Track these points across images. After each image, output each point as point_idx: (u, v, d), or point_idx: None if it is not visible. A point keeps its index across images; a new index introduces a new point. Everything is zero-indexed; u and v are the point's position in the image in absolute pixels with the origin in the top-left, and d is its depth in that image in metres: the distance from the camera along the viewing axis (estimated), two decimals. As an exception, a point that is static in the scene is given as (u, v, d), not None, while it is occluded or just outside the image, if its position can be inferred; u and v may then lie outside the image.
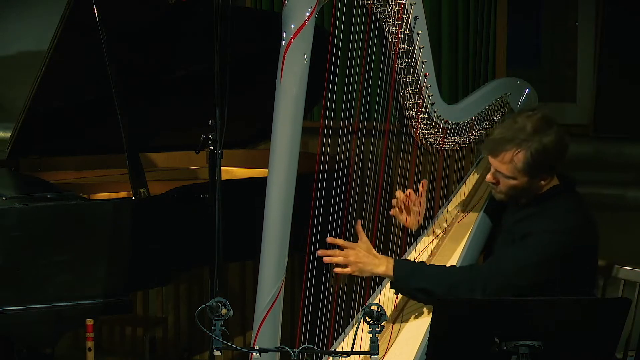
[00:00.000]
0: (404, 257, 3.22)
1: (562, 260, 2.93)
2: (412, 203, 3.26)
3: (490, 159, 3.01)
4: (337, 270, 2.98)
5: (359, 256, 2.97)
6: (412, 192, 3.26)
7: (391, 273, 2.97)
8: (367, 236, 3.01)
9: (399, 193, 3.25)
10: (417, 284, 2.93)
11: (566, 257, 2.93)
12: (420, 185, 3.27)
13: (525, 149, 2.94)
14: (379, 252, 3.03)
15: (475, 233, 3.21)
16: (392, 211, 3.26)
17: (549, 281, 2.93)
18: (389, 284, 3.13)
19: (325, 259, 2.94)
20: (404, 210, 3.27)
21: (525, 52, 5.02)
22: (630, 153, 4.50)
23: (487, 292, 2.87)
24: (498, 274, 2.91)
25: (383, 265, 2.97)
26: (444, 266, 3.03)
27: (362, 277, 3.05)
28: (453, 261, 3.14)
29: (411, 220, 3.29)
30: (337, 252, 2.96)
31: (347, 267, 2.97)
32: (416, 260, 3.13)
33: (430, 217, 3.35)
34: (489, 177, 3.05)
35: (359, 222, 3.01)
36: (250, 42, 4.17)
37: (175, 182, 4.01)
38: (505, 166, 2.97)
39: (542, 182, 3.00)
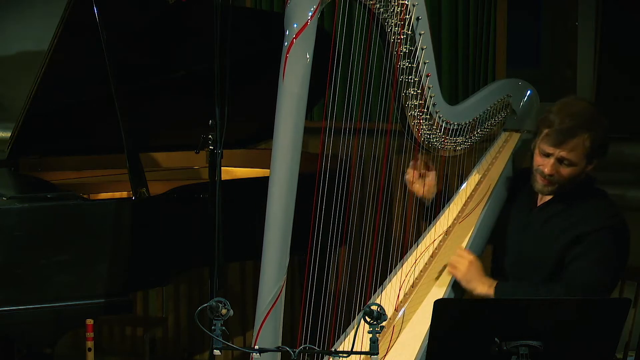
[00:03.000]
0: (405, 258, 3.22)
1: (627, 250, 3.03)
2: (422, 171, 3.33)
3: (553, 150, 3.00)
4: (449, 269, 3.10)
5: (471, 269, 3.06)
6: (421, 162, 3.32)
7: (492, 292, 3.03)
8: (369, 236, 3.02)
9: (412, 163, 3.32)
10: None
11: (628, 245, 3.03)
12: (413, 162, 3.33)
13: (592, 132, 2.98)
14: (379, 253, 3.05)
15: (477, 234, 3.21)
16: (407, 177, 3.35)
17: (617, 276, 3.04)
18: (390, 284, 3.13)
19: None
20: (417, 181, 3.35)
21: (525, 52, 5.01)
22: (630, 153, 4.50)
23: None
24: (592, 287, 2.95)
25: (486, 286, 3.05)
26: (541, 283, 3.05)
27: (362, 277, 3.06)
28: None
29: (425, 190, 3.35)
30: (460, 253, 3.09)
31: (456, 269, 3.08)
32: (417, 261, 3.13)
33: (431, 217, 3.35)
34: (549, 170, 3.03)
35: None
36: (250, 42, 4.17)
37: (175, 182, 4.01)
38: (574, 153, 2.99)
39: (590, 168, 3.04)
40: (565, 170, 3.03)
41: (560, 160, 3.01)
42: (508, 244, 3.19)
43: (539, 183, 3.08)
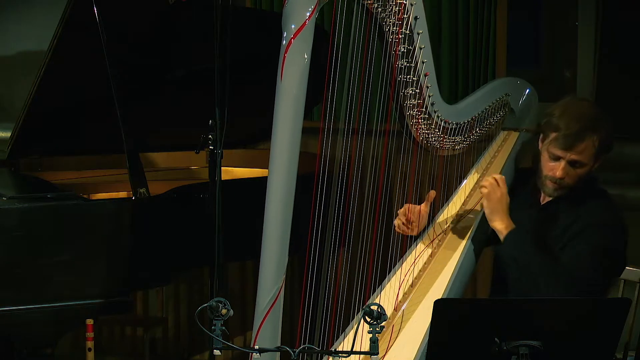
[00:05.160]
0: (404, 258, 3.22)
1: (624, 248, 3.02)
2: (412, 218, 3.27)
3: (564, 153, 3.00)
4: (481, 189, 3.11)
5: (501, 201, 3.08)
6: (412, 209, 3.27)
7: (505, 233, 3.04)
8: (367, 236, 3.02)
9: (399, 217, 3.26)
10: (517, 254, 3.00)
11: (624, 243, 3.03)
12: (428, 195, 3.27)
13: (600, 133, 2.99)
14: (379, 253, 3.04)
15: (476, 233, 3.20)
16: (397, 229, 3.28)
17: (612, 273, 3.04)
18: (389, 283, 3.13)
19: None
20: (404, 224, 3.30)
21: (525, 52, 5.01)
22: (630, 153, 4.50)
23: (564, 291, 2.92)
24: (577, 276, 2.94)
25: (504, 225, 3.06)
26: (544, 253, 3.05)
27: (362, 277, 3.05)
28: (454, 261, 3.14)
29: (412, 230, 3.30)
30: (497, 177, 3.10)
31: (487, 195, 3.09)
32: (416, 261, 3.13)
33: (431, 217, 3.35)
34: (560, 173, 3.02)
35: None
36: (250, 42, 4.17)
37: (175, 182, 4.01)
38: (584, 154, 2.99)
39: (596, 165, 3.04)
40: (577, 172, 3.03)
41: (571, 163, 3.01)
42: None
43: (549, 188, 3.07)
